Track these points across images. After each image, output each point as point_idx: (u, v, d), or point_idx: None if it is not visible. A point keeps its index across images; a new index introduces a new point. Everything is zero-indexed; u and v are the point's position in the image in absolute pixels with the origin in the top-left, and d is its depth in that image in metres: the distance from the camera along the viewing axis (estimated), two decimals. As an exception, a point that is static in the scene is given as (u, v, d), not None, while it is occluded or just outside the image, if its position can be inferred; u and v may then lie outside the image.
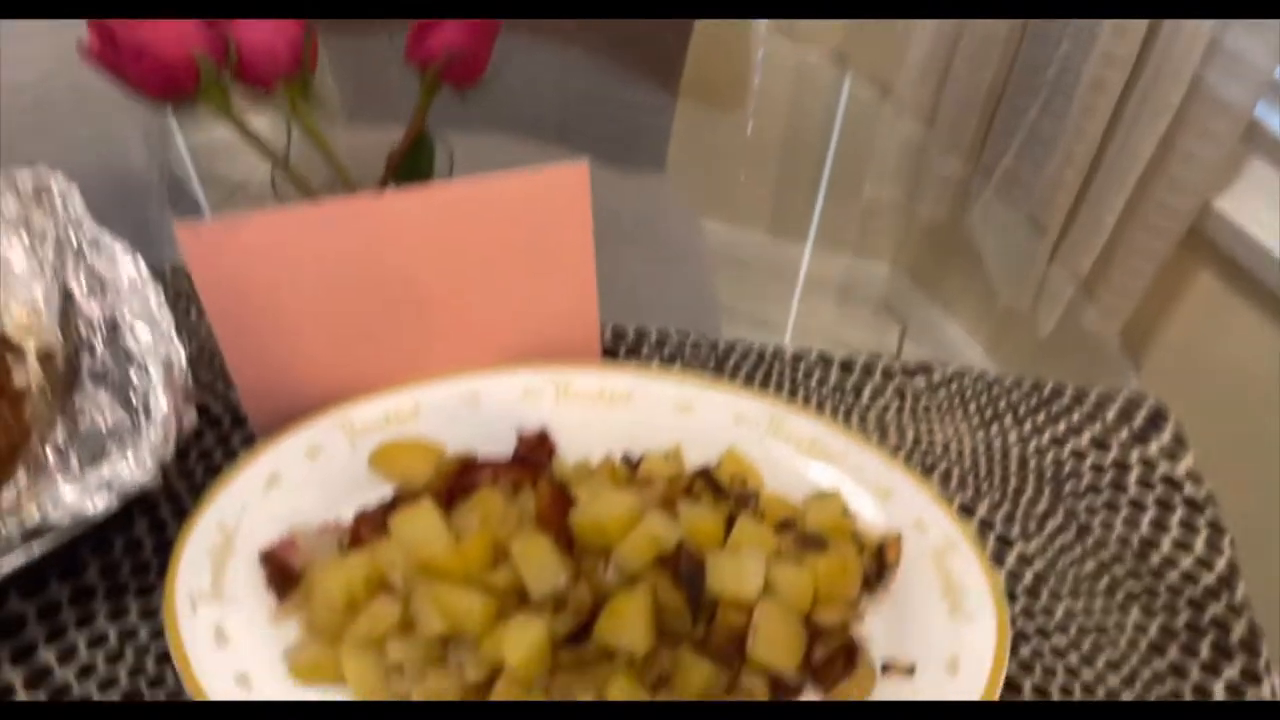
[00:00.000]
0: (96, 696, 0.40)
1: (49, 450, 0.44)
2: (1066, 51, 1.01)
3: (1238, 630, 0.43)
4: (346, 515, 0.44)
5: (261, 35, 0.44)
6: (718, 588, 0.39)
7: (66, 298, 0.47)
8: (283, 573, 0.42)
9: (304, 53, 0.45)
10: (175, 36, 0.41)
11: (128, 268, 0.46)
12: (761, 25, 0.93)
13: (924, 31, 1.11)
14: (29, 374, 0.49)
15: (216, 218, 0.41)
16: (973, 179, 0.84)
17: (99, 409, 0.44)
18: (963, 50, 1.11)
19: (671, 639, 0.39)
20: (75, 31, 0.42)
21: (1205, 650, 0.43)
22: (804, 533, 0.43)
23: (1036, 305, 0.85)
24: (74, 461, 0.44)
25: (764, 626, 0.39)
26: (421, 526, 0.42)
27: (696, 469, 0.44)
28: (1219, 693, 0.41)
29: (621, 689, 0.38)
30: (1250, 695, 0.41)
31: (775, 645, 0.39)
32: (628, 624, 0.38)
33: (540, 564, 0.39)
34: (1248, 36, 0.87)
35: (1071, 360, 0.55)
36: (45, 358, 0.49)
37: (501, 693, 0.38)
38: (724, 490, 0.43)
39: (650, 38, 0.86)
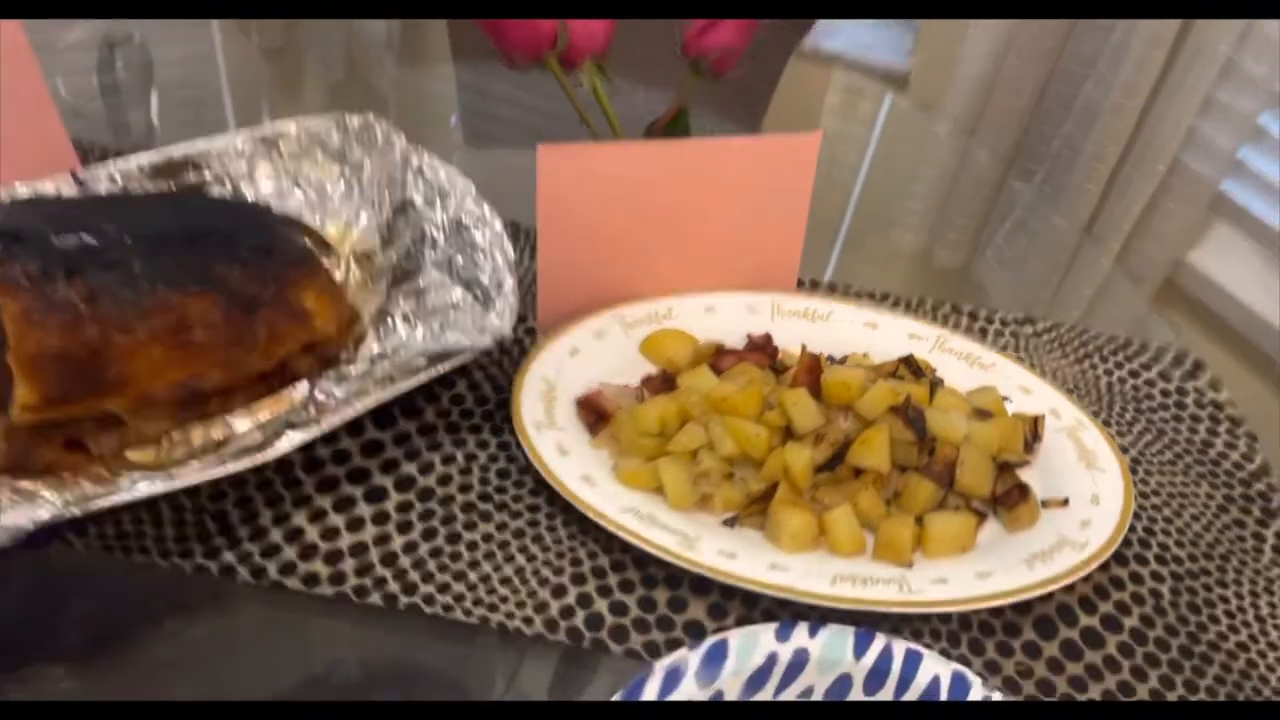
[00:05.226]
0: (458, 497, 0.51)
1: (398, 320, 0.56)
2: (1068, 131, 1.24)
3: (1275, 500, 0.59)
4: (629, 380, 0.57)
5: (587, 22, 0.58)
6: (935, 430, 0.53)
7: (402, 207, 0.60)
8: (595, 413, 0.54)
9: (610, 38, 0.60)
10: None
11: (460, 183, 0.59)
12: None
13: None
14: (346, 272, 0.61)
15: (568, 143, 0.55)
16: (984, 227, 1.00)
17: (442, 290, 0.57)
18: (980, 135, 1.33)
19: (900, 467, 0.53)
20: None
21: (1256, 511, 0.59)
22: (977, 407, 0.57)
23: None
24: (419, 328, 0.56)
25: (968, 460, 0.53)
26: (706, 381, 0.55)
27: (898, 358, 0.59)
28: (1270, 538, 0.57)
29: (868, 499, 0.52)
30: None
31: (976, 475, 0.53)
32: (875, 451, 0.52)
33: (805, 408, 0.53)
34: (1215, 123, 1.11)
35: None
36: (363, 258, 0.61)
37: (781, 498, 0.51)
38: (923, 371, 0.58)
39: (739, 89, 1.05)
